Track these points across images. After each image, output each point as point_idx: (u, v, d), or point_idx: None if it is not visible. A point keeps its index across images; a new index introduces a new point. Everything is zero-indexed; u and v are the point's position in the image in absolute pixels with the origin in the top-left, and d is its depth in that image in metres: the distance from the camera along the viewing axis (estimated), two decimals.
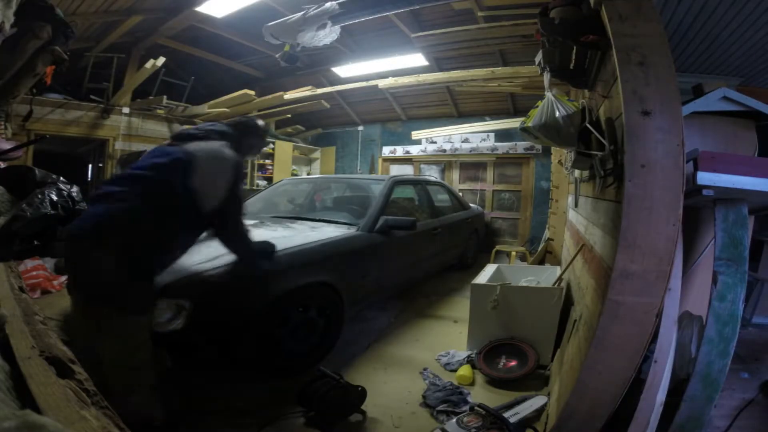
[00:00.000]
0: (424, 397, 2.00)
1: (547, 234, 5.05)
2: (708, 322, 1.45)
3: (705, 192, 1.43)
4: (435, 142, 6.85)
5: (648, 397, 1.38)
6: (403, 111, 7.21)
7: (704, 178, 1.42)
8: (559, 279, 2.64)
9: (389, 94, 6.70)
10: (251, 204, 3.47)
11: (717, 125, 2.16)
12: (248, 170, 6.89)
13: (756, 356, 2.14)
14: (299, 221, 2.93)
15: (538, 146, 5.89)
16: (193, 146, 1.62)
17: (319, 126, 8.12)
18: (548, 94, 1.97)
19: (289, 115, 6.92)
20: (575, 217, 3.01)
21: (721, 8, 2.42)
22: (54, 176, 3.11)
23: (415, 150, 7.08)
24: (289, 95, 6.06)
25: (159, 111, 5.91)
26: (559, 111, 1.87)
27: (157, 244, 1.49)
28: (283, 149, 7.29)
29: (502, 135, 6.35)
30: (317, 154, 8.19)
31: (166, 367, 1.65)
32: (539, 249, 4.99)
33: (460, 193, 5.77)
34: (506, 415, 1.70)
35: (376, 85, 5.92)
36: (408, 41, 5.33)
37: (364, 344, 2.62)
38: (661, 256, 1.23)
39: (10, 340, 1.03)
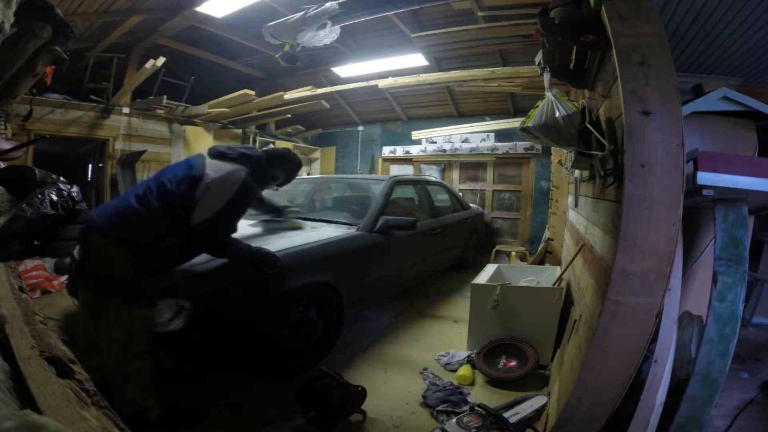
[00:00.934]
0: (424, 397, 2.00)
1: (547, 234, 5.05)
2: (708, 322, 1.45)
3: (705, 192, 1.43)
4: (435, 142, 6.85)
5: (648, 397, 1.38)
6: (403, 111, 7.21)
7: (704, 178, 1.42)
8: (559, 279, 2.64)
9: (389, 94, 6.70)
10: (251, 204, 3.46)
11: (717, 125, 2.16)
12: None
13: (756, 356, 2.15)
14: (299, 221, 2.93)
15: (538, 146, 5.89)
16: (214, 165, 1.73)
17: (319, 126, 8.12)
18: (548, 94, 1.97)
19: (289, 115, 6.92)
20: (575, 217, 3.01)
21: (721, 8, 2.42)
22: (54, 176, 3.11)
23: (415, 150, 7.08)
24: (289, 95, 6.06)
25: (159, 111, 5.90)
26: (559, 111, 1.87)
27: (167, 247, 1.65)
28: None
29: (502, 135, 6.35)
30: (317, 154, 8.19)
31: (166, 367, 1.66)
32: (539, 249, 4.99)
33: (460, 193, 5.77)
34: (506, 415, 1.70)
35: (376, 85, 5.91)
36: (408, 41, 5.32)
37: (365, 344, 2.61)
38: (661, 256, 1.23)
39: (10, 340, 1.03)
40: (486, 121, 6.48)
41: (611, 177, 1.57)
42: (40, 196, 2.80)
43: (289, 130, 7.76)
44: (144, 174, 5.50)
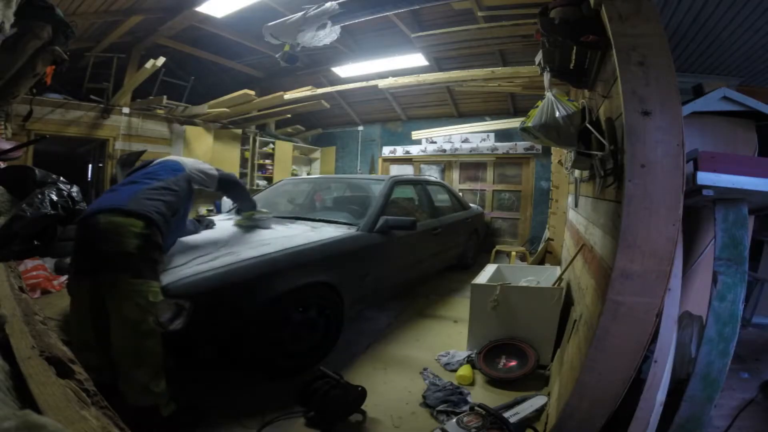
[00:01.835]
0: (424, 397, 2.00)
1: (547, 234, 5.05)
2: (708, 322, 1.45)
3: (705, 192, 1.43)
4: (435, 142, 6.85)
5: (648, 397, 1.38)
6: (403, 111, 7.21)
7: (704, 178, 1.42)
8: (559, 279, 2.64)
9: (389, 94, 6.70)
10: None
11: (717, 125, 2.16)
12: (248, 171, 6.91)
13: (756, 356, 2.15)
14: (299, 221, 2.93)
15: (538, 146, 5.89)
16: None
17: (319, 126, 8.13)
18: (548, 94, 1.97)
19: (289, 115, 6.92)
20: (575, 217, 3.01)
21: (721, 8, 2.42)
22: (54, 176, 3.10)
23: (415, 150, 7.08)
24: (289, 95, 6.05)
25: (159, 111, 5.91)
26: (559, 111, 1.86)
27: (169, 228, 1.82)
28: (283, 149, 7.29)
29: (502, 135, 6.35)
30: (317, 154, 8.19)
31: (166, 367, 1.66)
32: (539, 249, 4.99)
33: (460, 193, 5.77)
34: (506, 415, 1.70)
35: (376, 85, 5.91)
36: (408, 41, 5.32)
37: (365, 344, 2.61)
38: (661, 256, 1.23)
39: (10, 340, 1.03)
40: (486, 121, 6.48)
41: (611, 177, 1.57)
42: (40, 196, 2.79)
43: (289, 130, 7.76)
44: None
